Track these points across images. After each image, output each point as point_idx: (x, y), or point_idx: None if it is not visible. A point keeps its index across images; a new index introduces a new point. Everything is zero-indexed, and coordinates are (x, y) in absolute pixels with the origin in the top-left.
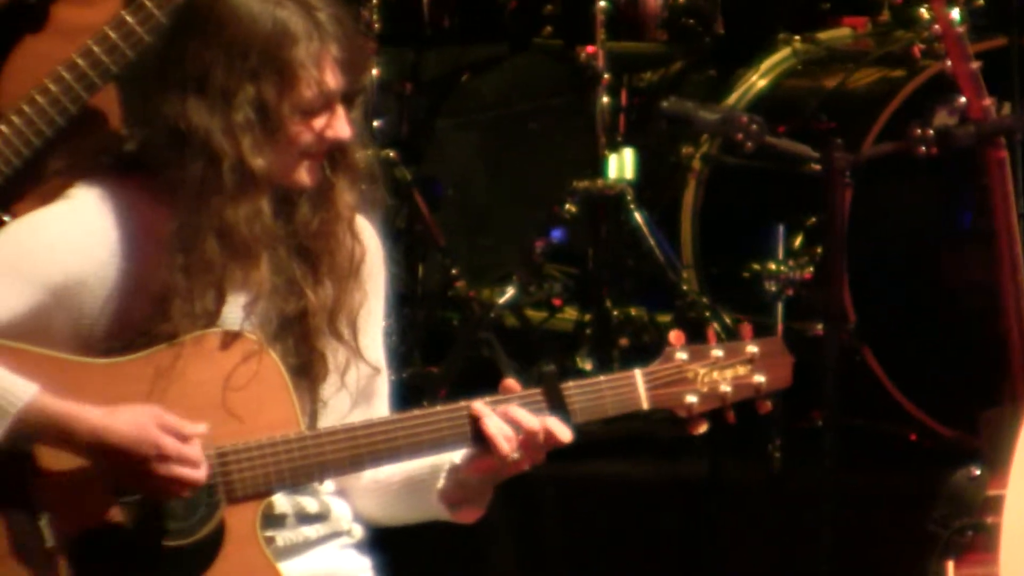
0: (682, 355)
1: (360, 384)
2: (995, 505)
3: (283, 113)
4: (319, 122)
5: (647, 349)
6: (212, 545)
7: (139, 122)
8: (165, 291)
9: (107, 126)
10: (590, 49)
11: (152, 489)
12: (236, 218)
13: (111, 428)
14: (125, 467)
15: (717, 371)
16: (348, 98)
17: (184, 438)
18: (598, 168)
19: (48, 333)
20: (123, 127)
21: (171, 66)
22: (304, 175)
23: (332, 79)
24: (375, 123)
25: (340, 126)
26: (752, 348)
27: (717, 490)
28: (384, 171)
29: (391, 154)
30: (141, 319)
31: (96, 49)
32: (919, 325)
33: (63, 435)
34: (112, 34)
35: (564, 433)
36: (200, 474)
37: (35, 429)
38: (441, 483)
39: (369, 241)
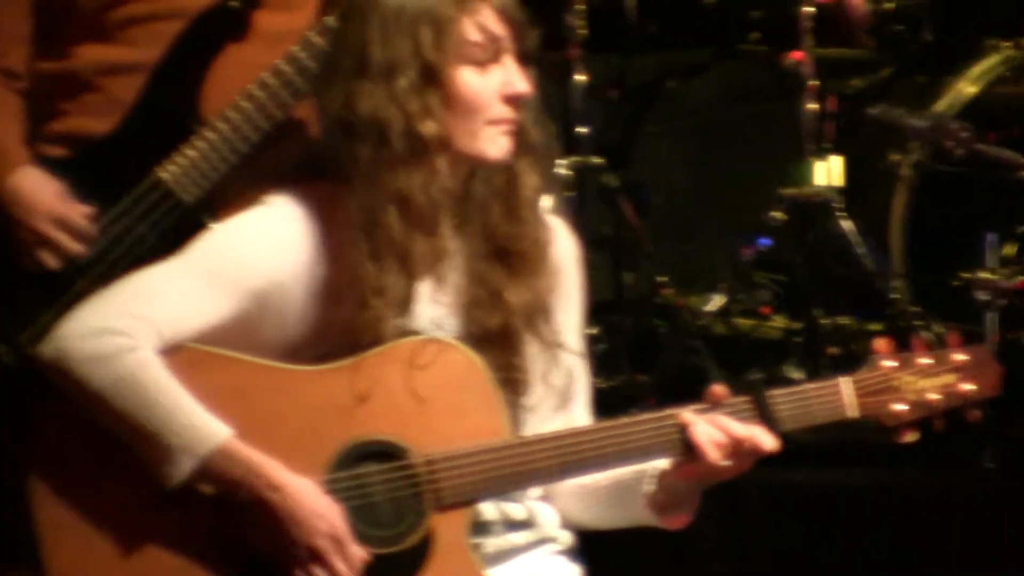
0: (889, 363)
1: (561, 387)
2: None
3: (448, 66)
4: (492, 78)
5: (856, 358)
6: (420, 553)
7: (322, 123)
8: (357, 283)
9: (305, 132)
10: (796, 55)
11: (288, 562)
12: (411, 185)
13: (296, 492)
14: (285, 532)
15: (925, 379)
16: (518, 53)
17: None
18: (805, 175)
19: (253, 340)
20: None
21: (333, 59)
22: (490, 140)
23: (494, 24)
24: (582, 129)
25: (516, 80)
26: (960, 356)
27: (927, 498)
28: (591, 177)
29: (597, 160)
30: (341, 322)
31: (301, 55)
32: None
33: (243, 482)
34: (316, 39)
35: (771, 441)
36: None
37: (218, 472)
38: (648, 488)
39: (560, 234)
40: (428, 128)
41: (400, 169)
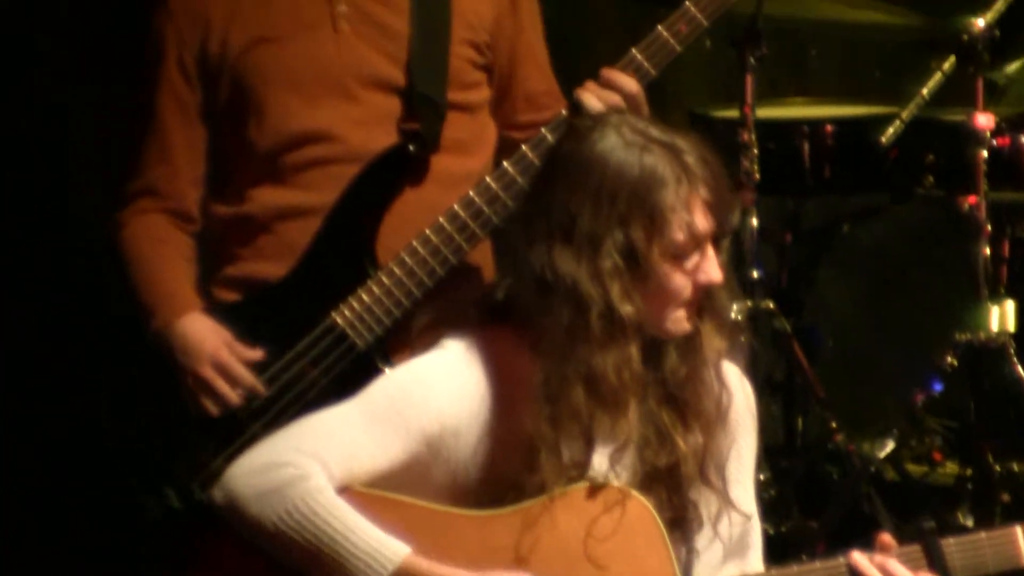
0: None
1: (733, 534)
2: None
3: (653, 258)
4: (689, 265)
5: None
6: None
7: (507, 271)
8: (533, 441)
9: (481, 278)
10: (971, 199)
11: None
12: (604, 366)
13: None
14: None
15: None
16: (717, 240)
17: None
18: (979, 320)
19: (422, 483)
20: (495, 277)
21: (538, 214)
22: (676, 322)
23: (702, 221)
24: (754, 273)
25: (712, 269)
26: None
27: None
28: (763, 322)
29: (770, 305)
30: (510, 469)
31: (478, 199)
32: None
33: None
34: (494, 185)
35: None
36: None
37: None
38: None
39: (737, 387)
40: (627, 310)
41: (595, 347)
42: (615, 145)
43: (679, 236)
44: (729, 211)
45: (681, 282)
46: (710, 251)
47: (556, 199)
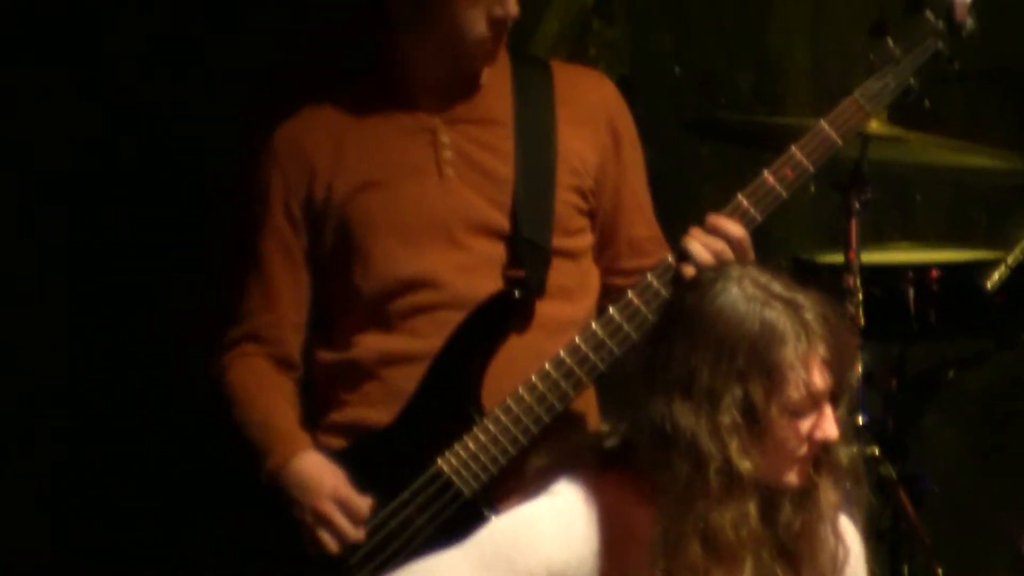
0: None
1: None
2: None
3: (771, 415)
4: (806, 423)
5: None
6: None
7: (622, 420)
8: None
9: (586, 425)
10: None
11: None
12: (722, 522)
13: None
14: None
15: None
16: (835, 397)
17: None
18: None
19: None
20: (603, 425)
21: (657, 367)
22: (791, 476)
23: (820, 380)
24: (859, 419)
25: (828, 427)
26: None
27: None
28: (868, 469)
29: (876, 451)
30: None
31: (583, 346)
32: None
33: None
34: (600, 331)
35: None
36: None
37: None
38: None
39: (852, 542)
40: (745, 466)
41: (713, 502)
42: (736, 299)
43: (796, 394)
44: (848, 370)
45: (798, 439)
46: (827, 409)
47: (676, 352)
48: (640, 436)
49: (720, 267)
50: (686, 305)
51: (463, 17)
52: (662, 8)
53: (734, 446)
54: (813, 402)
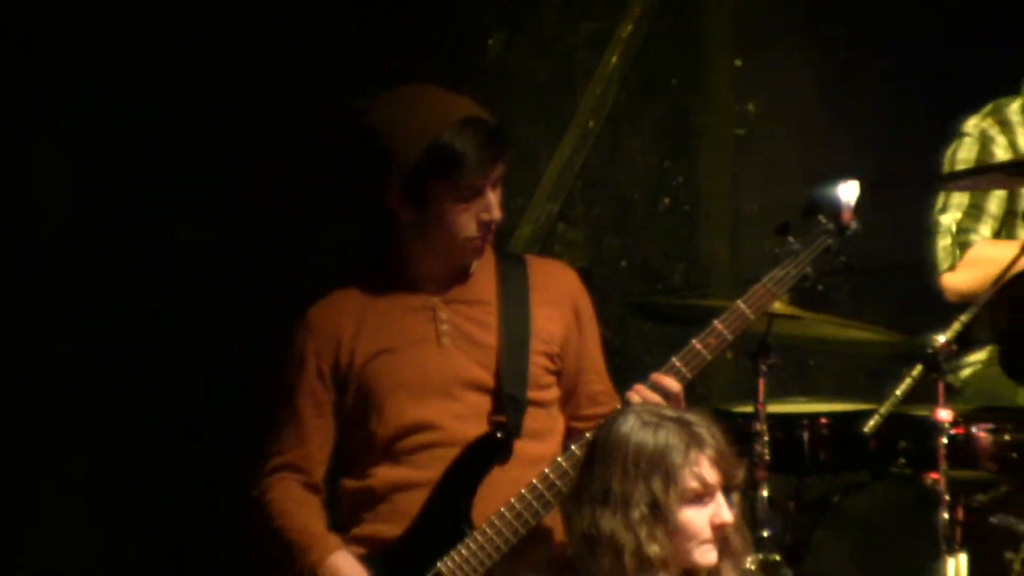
0: None
1: None
2: None
3: (671, 505)
4: (704, 511)
5: None
6: None
7: (569, 533)
8: None
9: (553, 537)
10: (934, 475)
11: None
12: None
13: None
14: None
15: None
16: (726, 489)
17: None
18: (938, 571)
19: None
20: (564, 537)
21: (583, 486)
22: (702, 554)
23: (710, 474)
24: (765, 533)
25: (723, 512)
26: None
27: None
28: (772, 571)
29: (778, 557)
30: None
31: (551, 476)
32: None
33: None
34: (564, 463)
35: None
36: None
37: None
38: None
39: None
40: (653, 551)
41: None
42: (635, 424)
43: (692, 484)
44: (732, 466)
45: (701, 523)
46: (720, 498)
47: (596, 472)
48: (575, 541)
49: (622, 407)
50: (600, 437)
51: (457, 223)
52: (612, 216)
53: (643, 534)
54: (707, 491)
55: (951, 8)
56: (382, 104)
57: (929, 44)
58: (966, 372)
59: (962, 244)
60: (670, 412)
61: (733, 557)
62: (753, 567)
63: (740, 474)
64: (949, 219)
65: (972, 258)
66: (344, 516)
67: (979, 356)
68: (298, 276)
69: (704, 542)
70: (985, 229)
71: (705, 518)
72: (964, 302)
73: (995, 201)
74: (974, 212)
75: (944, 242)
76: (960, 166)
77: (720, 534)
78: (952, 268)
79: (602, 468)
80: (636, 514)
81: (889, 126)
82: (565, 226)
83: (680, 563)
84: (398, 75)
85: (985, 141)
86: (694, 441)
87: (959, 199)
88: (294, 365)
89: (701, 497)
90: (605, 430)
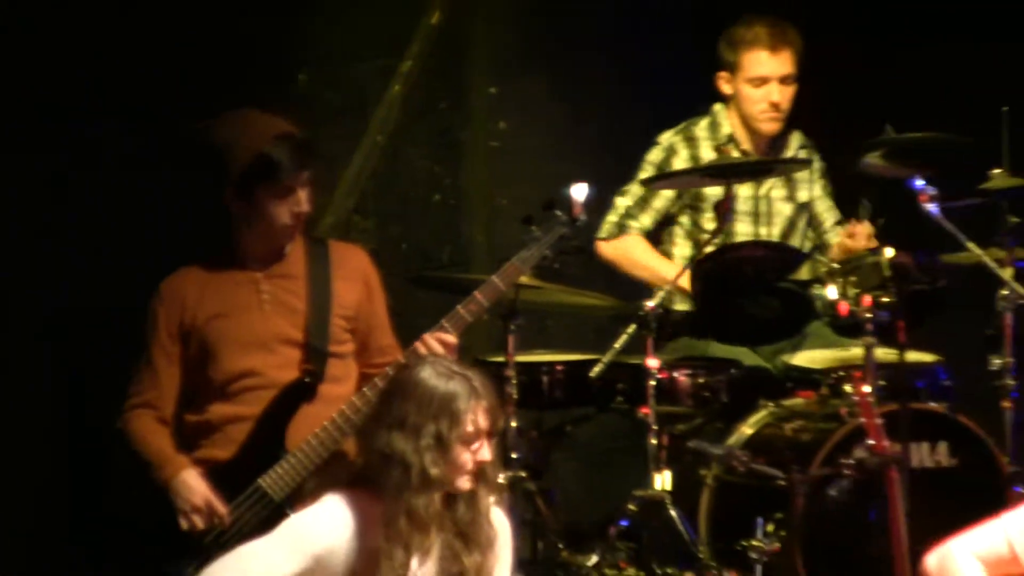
0: None
1: None
2: None
3: (451, 440)
4: (474, 448)
5: None
6: None
7: (365, 451)
8: (379, 553)
9: (346, 459)
10: (645, 410)
11: None
12: (418, 505)
13: None
14: None
15: None
16: (491, 435)
17: None
18: (648, 483)
19: None
20: (356, 457)
21: (383, 415)
22: (464, 483)
23: (483, 421)
24: (513, 455)
25: (486, 452)
26: None
27: None
28: (518, 484)
29: (524, 474)
30: (368, 571)
31: (347, 411)
32: (854, 574)
33: None
34: (358, 401)
35: None
36: None
37: None
38: None
39: (502, 527)
40: (434, 472)
41: (413, 493)
42: (431, 374)
43: (469, 428)
44: (498, 416)
45: (467, 458)
46: (487, 442)
47: (395, 405)
48: (372, 458)
49: (422, 357)
50: (401, 378)
51: (275, 215)
52: (395, 210)
53: (427, 459)
54: (478, 435)
55: (660, 48)
56: (218, 124)
57: (643, 78)
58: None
59: (622, 226)
60: (458, 368)
61: (488, 484)
62: (504, 482)
63: (502, 422)
64: (622, 202)
65: (622, 242)
66: (186, 442)
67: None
68: (157, 258)
69: (466, 473)
70: (646, 219)
71: (472, 455)
72: (606, 264)
73: (661, 199)
74: (642, 204)
75: (611, 217)
76: (647, 167)
77: (479, 468)
78: (607, 239)
79: (401, 402)
80: (424, 443)
81: (612, 141)
82: (359, 217)
83: (449, 484)
84: (231, 101)
85: (669, 152)
86: (474, 394)
87: (636, 190)
88: (149, 325)
89: (473, 439)
90: (407, 372)
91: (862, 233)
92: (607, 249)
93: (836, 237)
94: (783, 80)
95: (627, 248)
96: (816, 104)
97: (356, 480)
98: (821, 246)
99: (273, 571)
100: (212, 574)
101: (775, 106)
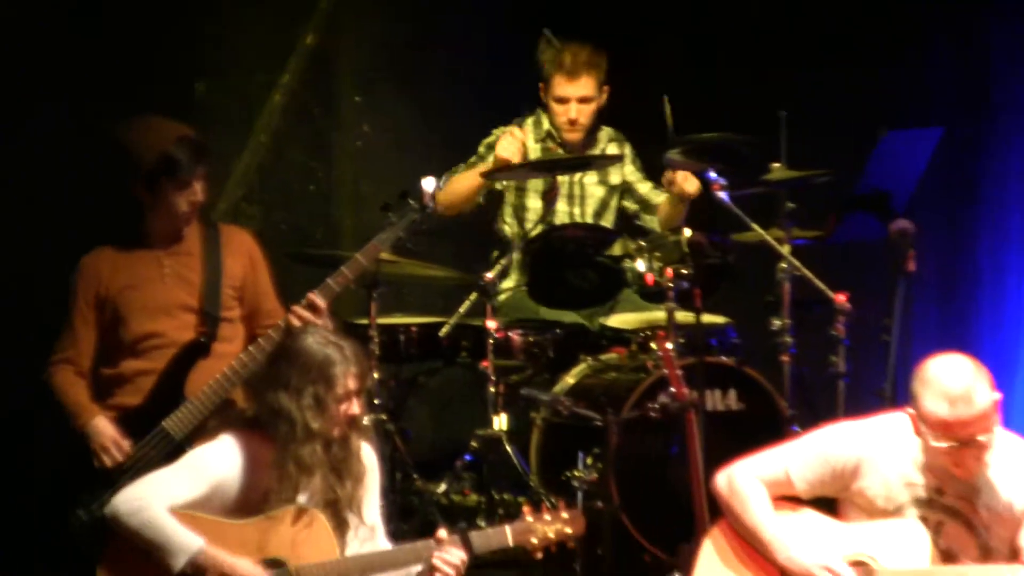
0: (529, 518)
1: (367, 532)
2: None
3: (328, 401)
4: (345, 406)
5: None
6: None
7: (255, 402)
8: (268, 489)
9: (236, 406)
10: (485, 363)
11: None
12: (303, 453)
13: (239, 566)
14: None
15: (547, 526)
16: (360, 393)
17: None
18: (487, 424)
19: (206, 507)
20: (247, 404)
21: (271, 375)
22: (338, 432)
23: (353, 383)
24: (376, 401)
25: (356, 407)
26: (564, 515)
27: None
28: (381, 425)
29: (384, 416)
30: (256, 502)
31: (236, 365)
32: (659, 498)
33: (210, 567)
34: (244, 357)
35: (462, 562)
36: None
37: (201, 563)
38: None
39: (369, 461)
40: (315, 426)
41: (298, 443)
42: (312, 342)
43: (340, 390)
44: (366, 378)
45: (340, 414)
46: (356, 399)
47: (281, 368)
48: (262, 410)
49: (304, 326)
50: (287, 344)
51: (175, 204)
52: (277, 198)
53: (308, 415)
54: (349, 395)
55: (494, 57)
56: (128, 129)
57: (479, 85)
58: (503, 296)
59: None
60: (334, 337)
61: (358, 430)
62: (368, 423)
63: (368, 382)
64: (461, 166)
65: (446, 184)
66: (101, 391)
67: (509, 285)
68: (77, 239)
69: (340, 424)
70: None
71: (344, 410)
72: (447, 217)
73: (483, 165)
74: (473, 164)
75: (449, 176)
76: (481, 148)
77: (351, 419)
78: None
79: (286, 365)
80: (305, 402)
81: (454, 139)
82: (246, 204)
83: (327, 433)
84: (140, 106)
85: (493, 141)
86: (346, 360)
87: (474, 160)
88: (71, 294)
89: (345, 398)
90: (292, 339)
91: (676, 178)
92: (440, 196)
93: (659, 196)
94: (581, 100)
95: (449, 184)
96: (635, 98)
97: (249, 424)
98: (649, 208)
99: (175, 493)
100: (124, 496)
101: (572, 122)
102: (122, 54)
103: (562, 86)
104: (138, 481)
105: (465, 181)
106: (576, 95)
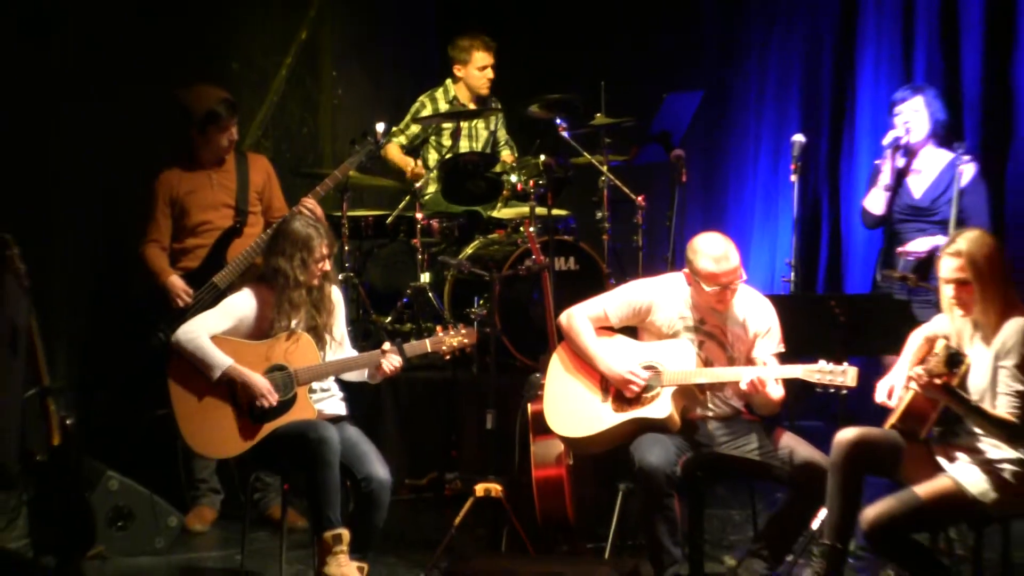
0: (440, 334)
1: (338, 345)
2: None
3: (310, 263)
4: (320, 265)
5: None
6: (293, 400)
7: (264, 264)
8: (271, 320)
9: (256, 267)
10: (415, 241)
11: (257, 400)
12: (294, 297)
13: (256, 379)
14: (255, 392)
15: (452, 339)
16: (330, 256)
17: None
18: (418, 278)
19: (234, 334)
20: (263, 266)
21: (274, 247)
22: (316, 281)
23: (325, 250)
24: (346, 264)
25: (327, 265)
26: (463, 331)
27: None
28: (348, 280)
29: (351, 275)
30: (265, 329)
31: (257, 242)
32: (525, 326)
33: (238, 378)
34: (263, 235)
35: (399, 363)
36: (274, 398)
37: (230, 375)
38: (367, 374)
39: (337, 300)
40: (302, 278)
41: (291, 290)
42: (299, 224)
43: (318, 254)
44: (334, 247)
45: (318, 270)
46: (328, 263)
47: (279, 242)
48: (268, 270)
49: (297, 214)
50: (282, 226)
51: (218, 141)
52: (284, 138)
53: (298, 272)
54: (323, 258)
55: (426, 46)
56: (188, 93)
57: (415, 63)
58: (427, 197)
59: (390, 140)
60: (312, 221)
61: (329, 280)
62: (340, 278)
63: (335, 249)
64: (396, 128)
65: (387, 148)
66: (174, 260)
67: (431, 190)
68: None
69: (317, 276)
70: (403, 138)
71: (320, 267)
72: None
73: (413, 129)
74: (404, 129)
75: (391, 136)
76: (410, 112)
77: (324, 273)
78: (387, 143)
79: (283, 241)
80: (295, 263)
81: (395, 98)
82: (264, 140)
83: (309, 282)
84: (193, 78)
85: (421, 105)
86: (321, 236)
87: (403, 125)
88: (153, 198)
89: (320, 259)
90: (287, 223)
91: (508, 160)
92: (388, 150)
93: (505, 151)
94: (492, 68)
95: (392, 148)
96: (511, 74)
97: (260, 279)
98: (498, 152)
99: (213, 326)
100: (182, 329)
101: (490, 80)
102: (180, 42)
103: (484, 59)
104: (191, 319)
105: (399, 161)
106: (491, 63)
